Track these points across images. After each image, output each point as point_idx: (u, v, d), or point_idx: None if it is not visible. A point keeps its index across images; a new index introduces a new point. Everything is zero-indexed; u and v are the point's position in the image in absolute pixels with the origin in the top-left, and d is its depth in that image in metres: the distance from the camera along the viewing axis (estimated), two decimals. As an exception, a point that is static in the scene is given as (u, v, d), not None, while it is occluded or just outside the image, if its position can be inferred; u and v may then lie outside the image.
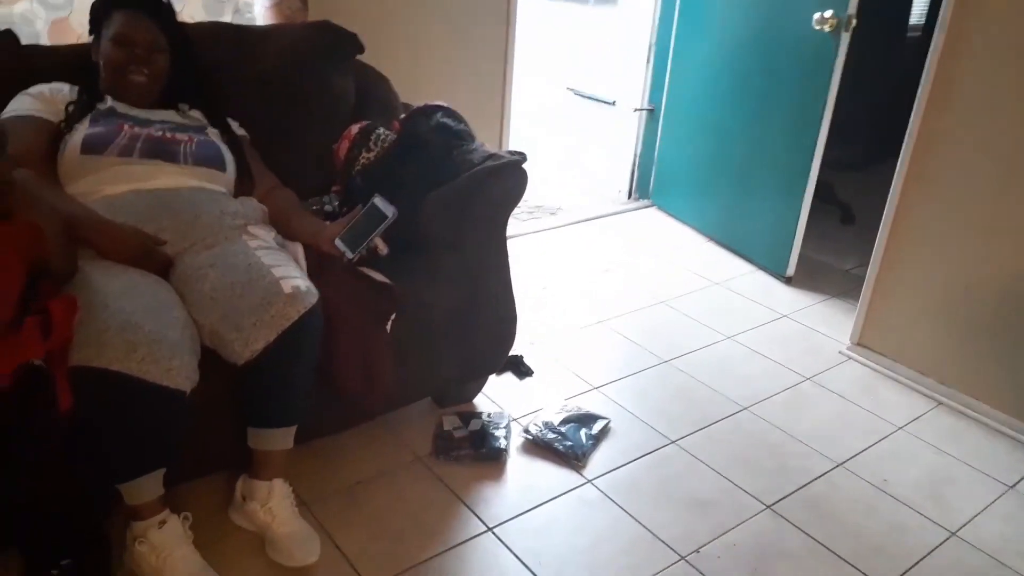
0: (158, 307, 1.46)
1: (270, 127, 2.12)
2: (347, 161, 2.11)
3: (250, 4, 2.37)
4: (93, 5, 1.83)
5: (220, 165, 1.82)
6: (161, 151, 1.74)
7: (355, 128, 2.12)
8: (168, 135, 1.78)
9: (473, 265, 2.02)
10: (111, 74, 1.80)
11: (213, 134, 1.88)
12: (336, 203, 2.11)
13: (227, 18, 2.32)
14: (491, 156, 2.01)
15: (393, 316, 1.80)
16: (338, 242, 1.74)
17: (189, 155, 1.77)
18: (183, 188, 1.71)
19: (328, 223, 1.85)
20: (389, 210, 1.71)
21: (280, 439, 1.64)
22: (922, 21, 4.41)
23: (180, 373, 1.40)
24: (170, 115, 1.86)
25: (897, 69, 4.26)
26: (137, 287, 1.48)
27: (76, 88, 1.81)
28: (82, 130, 1.71)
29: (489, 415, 2.12)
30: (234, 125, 1.98)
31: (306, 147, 2.19)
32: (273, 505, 1.64)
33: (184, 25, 1.94)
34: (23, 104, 1.74)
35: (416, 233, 1.97)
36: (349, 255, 1.73)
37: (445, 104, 2.17)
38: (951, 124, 2.26)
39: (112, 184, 1.66)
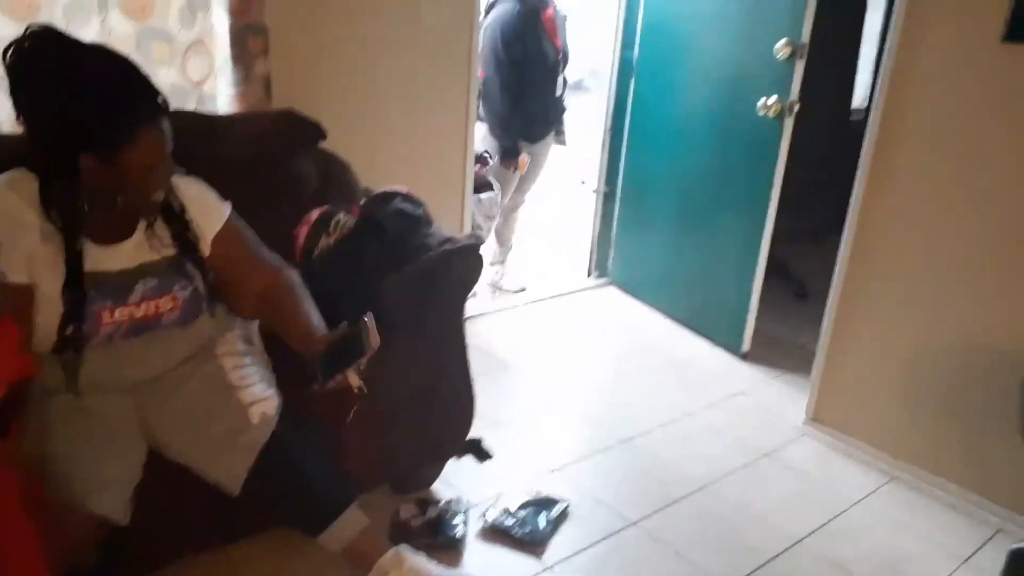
0: (103, 457, 1.48)
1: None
2: (306, 246, 2.13)
3: (213, 95, 2.42)
4: (96, 121, 1.37)
5: (200, 313, 1.67)
6: (143, 329, 1.56)
7: (315, 214, 2.16)
8: (151, 308, 1.55)
9: (431, 348, 2.03)
10: (131, 200, 1.47)
11: (186, 269, 1.62)
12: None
13: (191, 107, 2.36)
14: (448, 240, 2.06)
15: (355, 408, 1.80)
16: (316, 362, 1.55)
17: (174, 323, 1.60)
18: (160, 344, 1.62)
19: (315, 336, 1.61)
20: (373, 341, 1.53)
21: (349, 526, 1.62)
22: (865, 104, 4.64)
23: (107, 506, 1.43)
24: (141, 250, 1.55)
25: (845, 146, 4.46)
26: (91, 438, 1.48)
27: (37, 221, 1.41)
28: (49, 315, 1.44)
29: (447, 502, 2.10)
30: (212, 198, 1.70)
31: (268, 232, 2.21)
32: (409, 566, 1.62)
33: None
34: None
35: (375, 318, 1.98)
36: (320, 380, 1.53)
37: (404, 189, 2.23)
38: (890, 201, 2.37)
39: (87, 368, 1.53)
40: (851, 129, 4.54)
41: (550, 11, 3.53)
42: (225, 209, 1.70)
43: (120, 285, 1.51)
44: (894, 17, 2.25)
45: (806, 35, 2.71)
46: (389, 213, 2.10)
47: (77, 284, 1.43)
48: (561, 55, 3.59)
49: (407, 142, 2.85)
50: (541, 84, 3.52)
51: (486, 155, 3.55)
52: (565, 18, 3.75)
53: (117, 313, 1.50)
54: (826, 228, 4.62)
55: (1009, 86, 2.07)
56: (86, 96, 1.36)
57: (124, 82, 1.41)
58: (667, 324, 3.48)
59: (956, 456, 2.32)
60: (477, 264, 2.03)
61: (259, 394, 1.63)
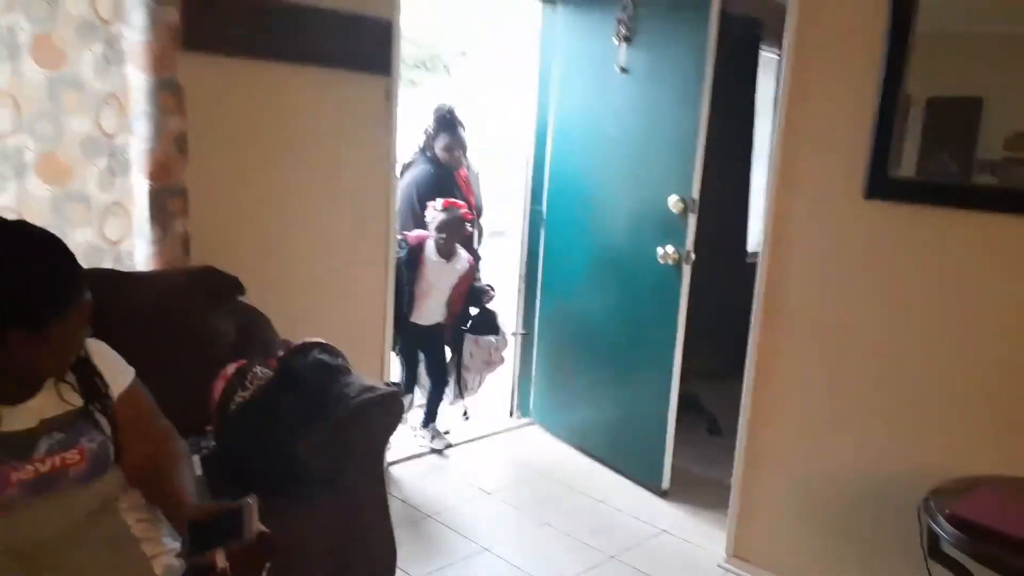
0: None
1: (148, 367, 2.12)
2: (222, 400, 2.13)
3: (131, 252, 2.45)
4: (26, 297, 1.40)
5: (108, 466, 1.61)
6: (48, 486, 1.50)
7: (231, 368, 2.16)
8: (57, 462, 1.50)
9: (351, 499, 2.01)
10: (57, 366, 1.51)
11: (94, 418, 1.60)
12: (212, 443, 2.10)
13: (107, 265, 2.38)
14: (367, 388, 2.09)
15: (268, 565, 1.75)
16: (184, 533, 1.47)
17: (79, 478, 1.55)
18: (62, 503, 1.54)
19: (188, 503, 1.56)
20: (253, 528, 1.45)
21: None
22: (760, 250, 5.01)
23: None
24: (47, 405, 1.53)
25: (744, 287, 4.76)
26: None
27: None
28: None
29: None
30: (118, 359, 1.70)
31: (182, 387, 2.19)
32: None
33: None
34: None
35: (292, 471, 1.97)
36: (185, 554, 1.44)
37: (322, 340, 2.27)
38: (783, 338, 2.55)
39: None
40: (748, 271, 4.90)
41: (463, 171, 3.80)
42: (130, 372, 1.72)
43: (26, 442, 1.48)
44: (769, 174, 2.51)
45: (695, 191, 2.98)
46: (308, 364, 2.13)
47: None
48: (476, 209, 3.81)
49: (326, 295, 2.92)
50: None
51: (489, 288, 3.74)
52: (478, 175, 4.02)
53: (23, 471, 1.46)
54: (732, 365, 4.86)
55: (871, 237, 2.32)
56: (15, 274, 1.40)
57: (52, 259, 1.46)
58: (588, 463, 3.52)
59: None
60: (398, 410, 2.07)
61: (164, 546, 1.57)
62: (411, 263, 3.43)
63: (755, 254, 4.93)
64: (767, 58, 4.53)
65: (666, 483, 3.23)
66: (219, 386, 2.14)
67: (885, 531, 2.34)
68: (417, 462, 3.44)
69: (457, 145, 3.66)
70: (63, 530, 1.55)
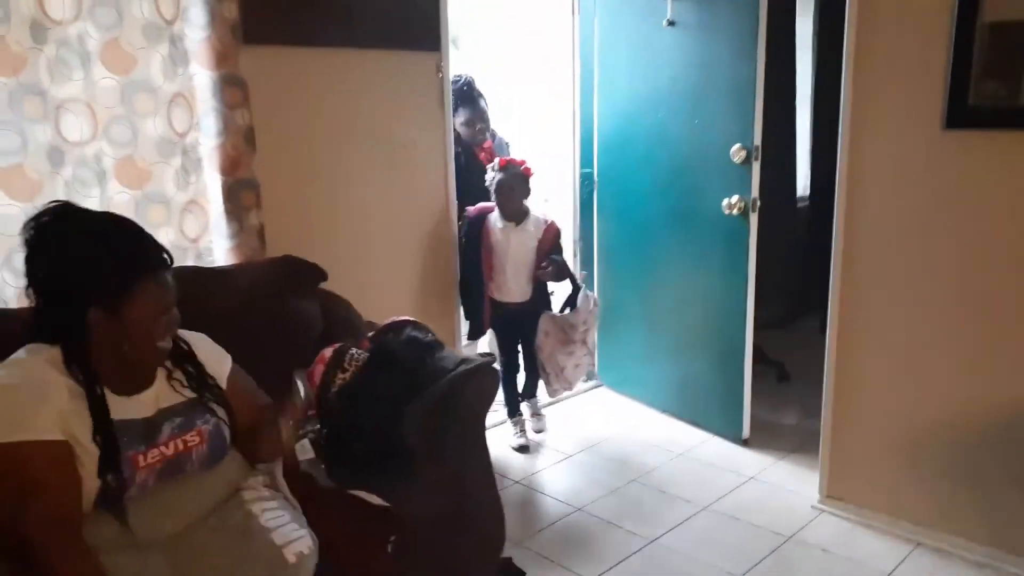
0: None
1: (242, 360, 2.17)
2: (323, 384, 2.16)
3: (210, 248, 2.49)
4: (96, 274, 1.49)
5: (226, 448, 1.71)
6: (176, 470, 1.59)
7: (328, 351, 2.20)
8: (179, 445, 1.60)
9: (457, 471, 2.05)
10: (139, 350, 1.55)
11: (209, 405, 1.70)
12: (317, 426, 2.14)
13: (190, 263, 2.42)
14: (463, 360, 2.12)
15: (393, 538, 1.79)
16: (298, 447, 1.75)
17: (202, 461, 1.64)
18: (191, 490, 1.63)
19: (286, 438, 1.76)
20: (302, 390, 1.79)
21: None
22: (807, 193, 4.94)
23: None
24: (162, 397, 1.63)
25: (796, 234, 4.73)
26: None
27: (63, 379, 1.47)
28: (91, 467, 1.45)
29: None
30: (215, 346, 1.81)
31: (278, 375, 2.24)
32: None
33: None
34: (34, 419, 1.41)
35: (397, 446, 2.00)
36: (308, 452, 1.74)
37: (411, 318, 2.30)
38: (864, 277, 2.51)
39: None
40: (798, 217, 4.86)
41: (487, 143, 3.54)
42: (228, 358, 1.84)
43: (148, 429, 1.57)
44: (842, 111, 2.46)
45: (757, 139, 2.94)
46: (401, 342, 2.16)
47: (107, 428, 1.48)
48: None
49: (395, 273, 2.95)
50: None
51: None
52: (508, 144, 3.78)
53: (150, 455, 1.55)
54: (790, 313, 4.85)
55: (951, 169, 2.28)
56: (88, 253, 1.49)
57: (122, 237, 1.55)
58: (664, 419, 3.54)
59: (972, 514, 2.38)
60: (495, 381, 2.09)
61: (292, 534, 1.62)
62: (472, 236, 3.21)
63: (804, 199, 4.91)
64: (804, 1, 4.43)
65: (746, 432, 3.24)
66: (318, 370, 2.17)
67: (985, 462, 2.33)
68: (495, 430, 3.48)
69: (479, 119, 3.45)
70: (195, 520, 1.61)
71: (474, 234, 3.23)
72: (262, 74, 2.44)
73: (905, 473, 2.52)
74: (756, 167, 2.97)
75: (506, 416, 3.46)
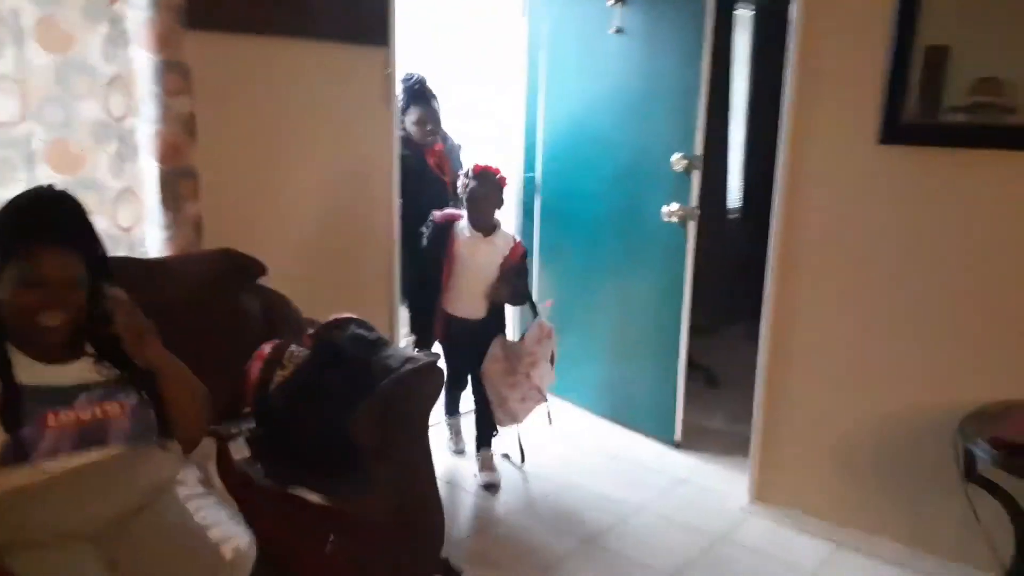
0: None
1: (180, 354, 2.10)
2: (260, 381, 2.12)
3: (143, 239, 2.41)
4: None
5: (151, 431, 1.66)
6: (92, 439, 1.56)
7: (267, 348, 2.15)
8: (97, 412, 1.58)
9: (404, 469, 2.03)
10: (16, 320, 1.56)
11: (131, 383, 1.66)
12: (252, 424, 2.10)
13: (122, 253, 2.33)
14: (409, 359, 2.10)
15: (332, 537, 1.77)
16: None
17: (123, 435, 1.60)
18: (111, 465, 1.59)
19: None
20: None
21: None
22: (739, 205, 5.10)
23: None
24: (86, 369, 1.63)
25: (727, 244, 4.87)
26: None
27: None
28: None
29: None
30: None
31: (216, 371, 2.17)
32: None
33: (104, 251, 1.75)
34: None
35: (343, 445, 1.98)
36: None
37: (354, 315, 2.26)
38: (800, 283, 2.60)
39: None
40: (729, 227, 5.00)
41: (437, 146, 3.44)
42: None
43: (62, 395, 1.57)
44: (783, 121, 2.54)
45: (698, 149, 3.02)
46: (347, 338, 2.13)
47: (6, 379, 1.52)
48: (450, 184, 3.40)
49: (334, 271, 2.90)
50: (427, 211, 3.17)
51: None
52: (459, 148, 3.73)
53: (62, 416, 1.54)
54: (718, 321, 4.98)
55: (885, 183, 2.40)
56: (12, 213, 1.58)
57: (14, 208, 1.59)
58: (599, 423, 3.58)
59: (894, 516, 2.50)
60: (440, 379, 2.09)
61: (228, 531, 1.58)
62: (436, 242, 3.02)
63: (735, 210, 5.06)
64: (741, 15, 4.58)
65: (678, 435, 3.32)
66: (256, 367, 2.13)
67: (905, 463, 2.45)
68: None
69: (430, 119, 3.34)
70: (125, 510, 1.55)
71: (439, 241, 3.04)
72: (207, 61, 2.36)
73: (832, 476, 2.63)
74: (696, 176, 3.05)
75: (443, 416, 3.35)
